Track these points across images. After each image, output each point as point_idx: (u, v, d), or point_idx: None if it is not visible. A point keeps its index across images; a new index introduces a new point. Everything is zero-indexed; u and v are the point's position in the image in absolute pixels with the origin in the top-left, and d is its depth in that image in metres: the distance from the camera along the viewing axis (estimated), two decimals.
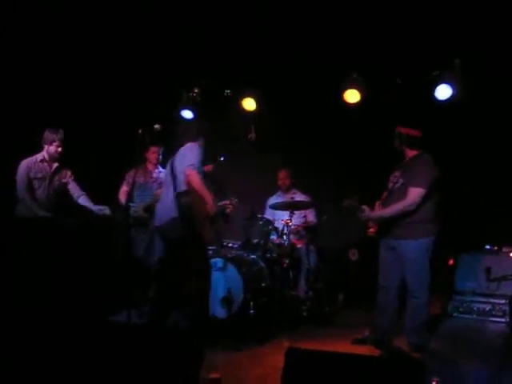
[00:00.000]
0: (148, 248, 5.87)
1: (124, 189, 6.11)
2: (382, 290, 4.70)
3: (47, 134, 5.46)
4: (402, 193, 4.48)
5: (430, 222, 4.50)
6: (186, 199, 4.61)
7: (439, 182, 4.54)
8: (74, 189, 5.61)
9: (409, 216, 4.44)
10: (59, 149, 5.46)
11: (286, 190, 6.72)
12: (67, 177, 5.62)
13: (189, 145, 4.86)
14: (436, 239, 4.50)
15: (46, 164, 5.50)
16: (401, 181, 4.57)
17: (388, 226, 4.59)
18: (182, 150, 4.87)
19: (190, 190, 4.60)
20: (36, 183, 5.44)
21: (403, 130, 4.67)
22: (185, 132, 5.01)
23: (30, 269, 5.09)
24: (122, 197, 6.04)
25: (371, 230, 4.85)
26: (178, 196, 4.64)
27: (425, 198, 4.42)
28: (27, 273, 5.06)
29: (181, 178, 4.66)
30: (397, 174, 4.68)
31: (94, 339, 3.62)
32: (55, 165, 5.53)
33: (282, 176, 6.76)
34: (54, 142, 5.44)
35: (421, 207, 4.43)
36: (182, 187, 4.65)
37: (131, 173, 5.98)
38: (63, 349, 3.53)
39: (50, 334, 3.73)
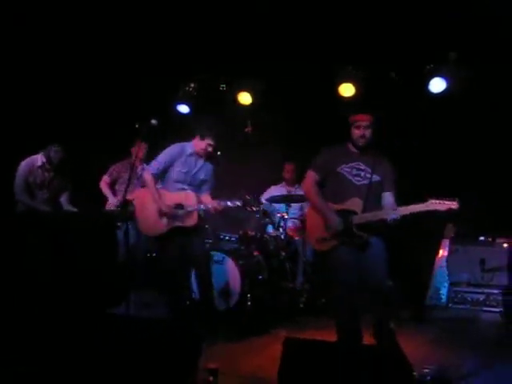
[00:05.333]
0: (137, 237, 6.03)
1: (106, 179, 6.30)
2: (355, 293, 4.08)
3: (50, 152, 5.49)
4: (380, 190, 4.11)
5: None
6: None
7: None
8: None
9: None
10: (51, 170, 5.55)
11: (291, 184, 6.76)
12: (67, 181, 5.72)
13: None
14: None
15: (44, 170, 5.54)
16: (376, 178, 4.08)
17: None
18: None
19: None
20: (36, 188, 5.52)
21: (373, 118, 4.14)
22: None
23: (32, 261, 5.15)
24: (104, 187, 6.29)
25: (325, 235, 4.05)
26: None
27: None
28: (29, 265, 5.13)
29: None
30: (361, 166, 4.13)
31: (94, 331, 3.68)
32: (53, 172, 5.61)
33: (289, 169, 6.77)
34: (51, 163, 5.51)
35: None
36: None
37: (116, 166, 6.26)
38: (64, 340, 3.59)
39: (52, 325, 3.79)
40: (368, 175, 4.07)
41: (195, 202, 4.90)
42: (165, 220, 4.89)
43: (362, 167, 4.11)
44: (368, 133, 4.09)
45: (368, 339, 3.98)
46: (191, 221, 4.88)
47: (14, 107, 6.23)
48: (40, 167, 5.52)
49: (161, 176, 5.04)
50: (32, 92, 6.29)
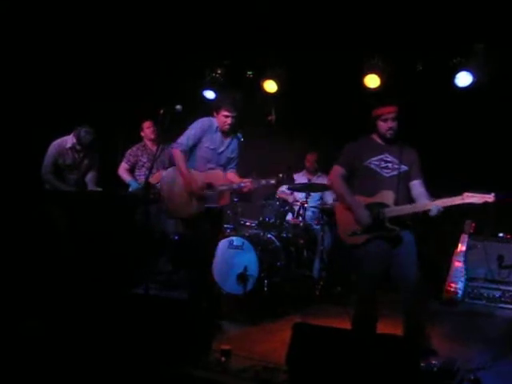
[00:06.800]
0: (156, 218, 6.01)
1: (124, 166, 6.28)
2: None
3: (80, 133, 5.54)
4: (406, 180, 4.09)
5: None
6: None
7: None
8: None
9: None
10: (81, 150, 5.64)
11: (313, 172, 6.84)
12: (95, 160, 5.83)
13: None
14: None
15: (74, 152, 5.64)
16: (404, 168, 4.06)
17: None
18: None
19: None
20: (66, 170, 5.64)
21: (398, 109, 4.07)
22: None
23: (56, 238, 5.32)
24: (123, 174, 6.25)
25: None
26: None
27: None
28: (53, 242, 5.30)
29: None
30: (388, 157, 4.08)
31: (114, 309, 3.83)
32: (83, 153, 5.70)
33: (311, 158, 6.88)
34: (81, 144, 5.59)
35: None
36: None
37: (132, 151, 6.27)
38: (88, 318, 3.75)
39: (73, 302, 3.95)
40: (396, 166, 4.04)
41: (226, 181, 4.73)
42: (195, 201, 4.69)
43: (389, 159, 4.08)
44: (395, 124, 4.04)
45: (381, 329, 4.04)
46: (224, 200, 4.74)
47: (41, 89, 6.35)
48: (70, 149, 5.60)
49: (190, 152, 4.79)
50: (54, 73, 6.40)
